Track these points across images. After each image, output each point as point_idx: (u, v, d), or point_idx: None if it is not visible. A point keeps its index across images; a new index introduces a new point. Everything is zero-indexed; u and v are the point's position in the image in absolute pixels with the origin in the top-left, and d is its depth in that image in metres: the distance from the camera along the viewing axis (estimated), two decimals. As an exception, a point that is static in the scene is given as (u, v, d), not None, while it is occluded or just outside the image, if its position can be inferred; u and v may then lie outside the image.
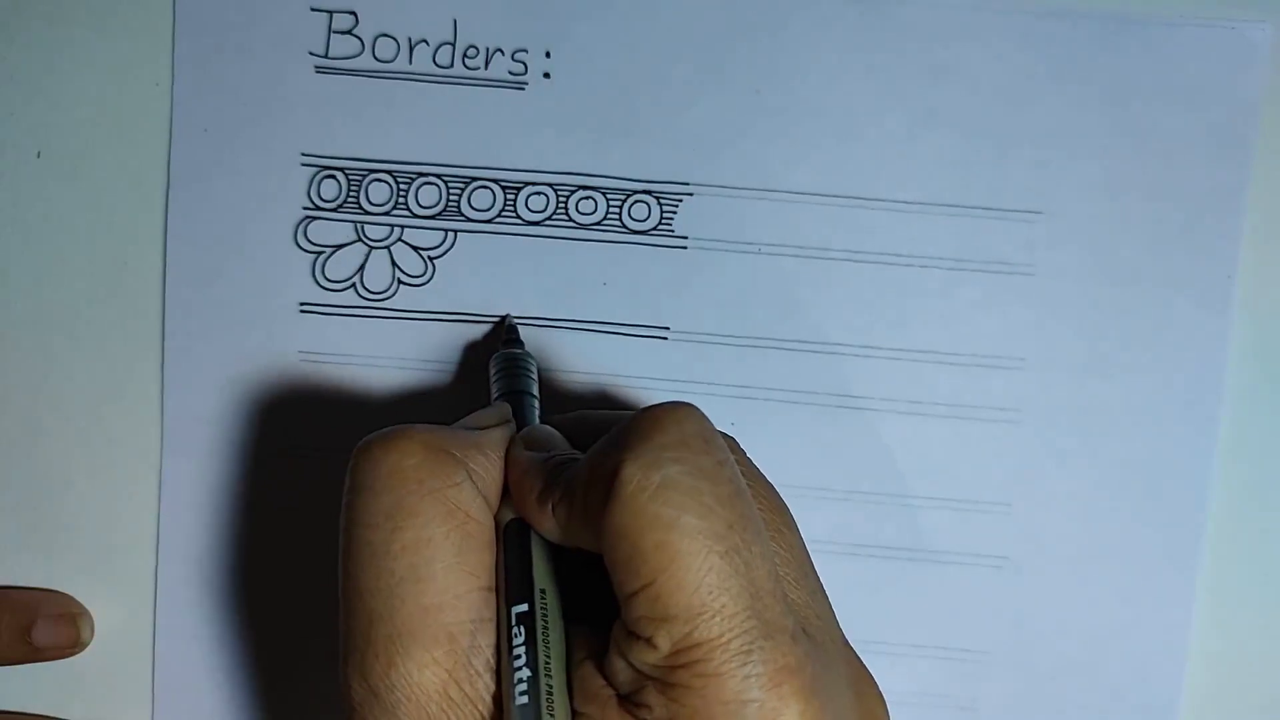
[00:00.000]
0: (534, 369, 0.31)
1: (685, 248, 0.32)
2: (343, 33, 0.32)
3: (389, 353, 0.32)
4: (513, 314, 0.32)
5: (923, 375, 0.33)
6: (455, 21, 0.32)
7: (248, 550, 0.33)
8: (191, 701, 0.33)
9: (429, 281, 0.32)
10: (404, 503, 0.24)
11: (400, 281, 0.32)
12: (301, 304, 0.32)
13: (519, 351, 0.31)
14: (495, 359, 0.31)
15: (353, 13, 0.32)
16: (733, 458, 0.23)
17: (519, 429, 0.28)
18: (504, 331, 0.32)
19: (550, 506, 0.24)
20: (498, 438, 0.26)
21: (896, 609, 0.33)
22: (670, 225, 0.32)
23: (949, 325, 0.32)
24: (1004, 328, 0.32)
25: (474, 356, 0.32)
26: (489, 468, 0.25)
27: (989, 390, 0.33)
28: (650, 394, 0.32)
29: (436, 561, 0.23)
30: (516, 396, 0.29)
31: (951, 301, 0.32)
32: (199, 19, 0.32)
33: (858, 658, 0.25)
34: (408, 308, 0.32)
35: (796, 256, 0.32)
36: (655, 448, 0.22)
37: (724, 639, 0.21)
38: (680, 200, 0.32)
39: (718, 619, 0.21)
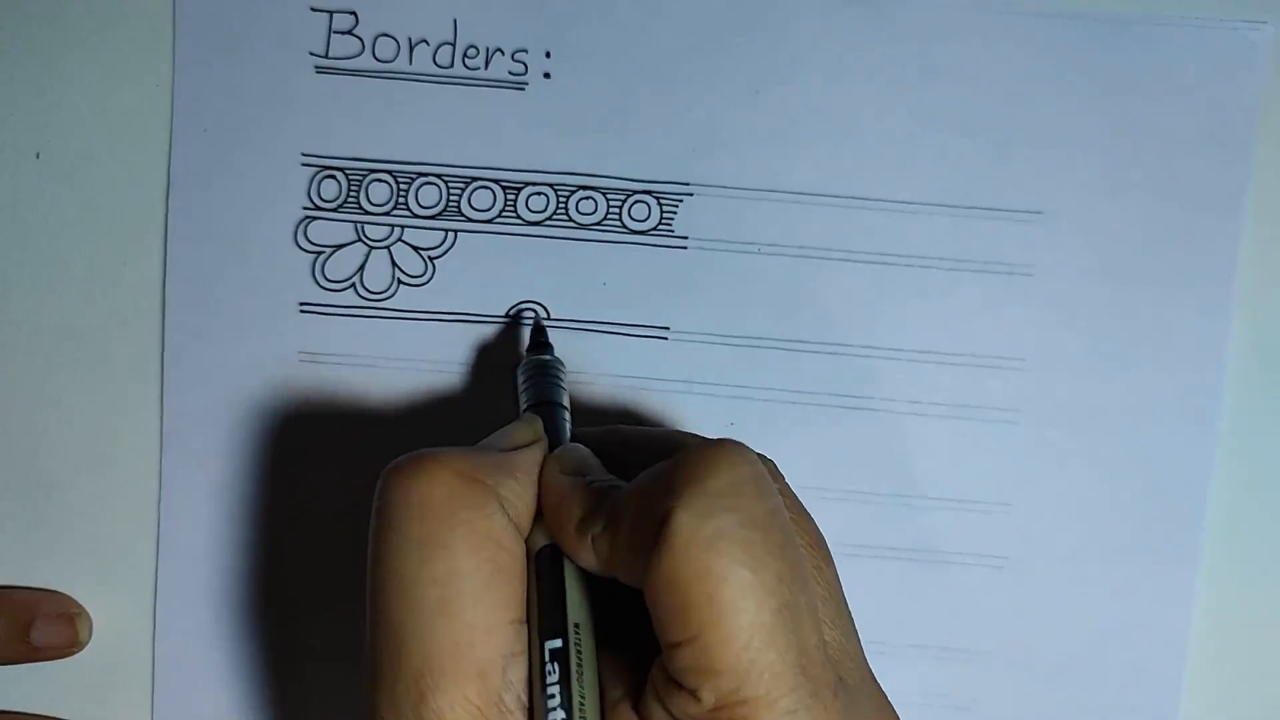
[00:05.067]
0: (564, 376, 0.30)
1: (685, 248, 0.32)
2: (343, 33, 0.32)
3: (389, 353, 0.32)
4: (514, 311, 0.32)
5: (923, 375, 0.32)
6: (455, 21, 0.32)
7: (247, 550, 0.33)
8: (191, 701, 0.33)
9: (429, 281, 0.32)
10: (434, 534, 0.23)
11: (400, 281, 0.32)
12: (301, 304, 0.32)
13: (549, 358, 0.30)
14: (523, 366, 0.30)
15: (353, 13, 0.32)
16: (783, 502, 0.23)
17: (551, 445, 0.27)
18: (532, 334, 0.31)
19: (590, 538, 0.23)
20: (531, 459, 0.25)
21: (896, 609, 0.33)
22: (670, 225, 0.32)
23: (949, 325, 0.32)
24: (1004, 328, 0.32)
25: (482, 356, 0.32)
26: (521, 493, 0.24)
27: (989, 390, 0.32)
28: (650, 394, 0.32)
29: (466, 595, 0.22)
30: (547, 408, 0.28)
31: (951, 301, 0.32)
32: (199, 19, 0.32)
33: (880, 691, 0.25)
34: (408, 308, 0.32)
35: (796, 256, 0.32)
36: (708, 494, 0.21)
37: (771, 697, 0.20)
38: (680, 200, 0.32)
39: (766, 676, 0.20)
